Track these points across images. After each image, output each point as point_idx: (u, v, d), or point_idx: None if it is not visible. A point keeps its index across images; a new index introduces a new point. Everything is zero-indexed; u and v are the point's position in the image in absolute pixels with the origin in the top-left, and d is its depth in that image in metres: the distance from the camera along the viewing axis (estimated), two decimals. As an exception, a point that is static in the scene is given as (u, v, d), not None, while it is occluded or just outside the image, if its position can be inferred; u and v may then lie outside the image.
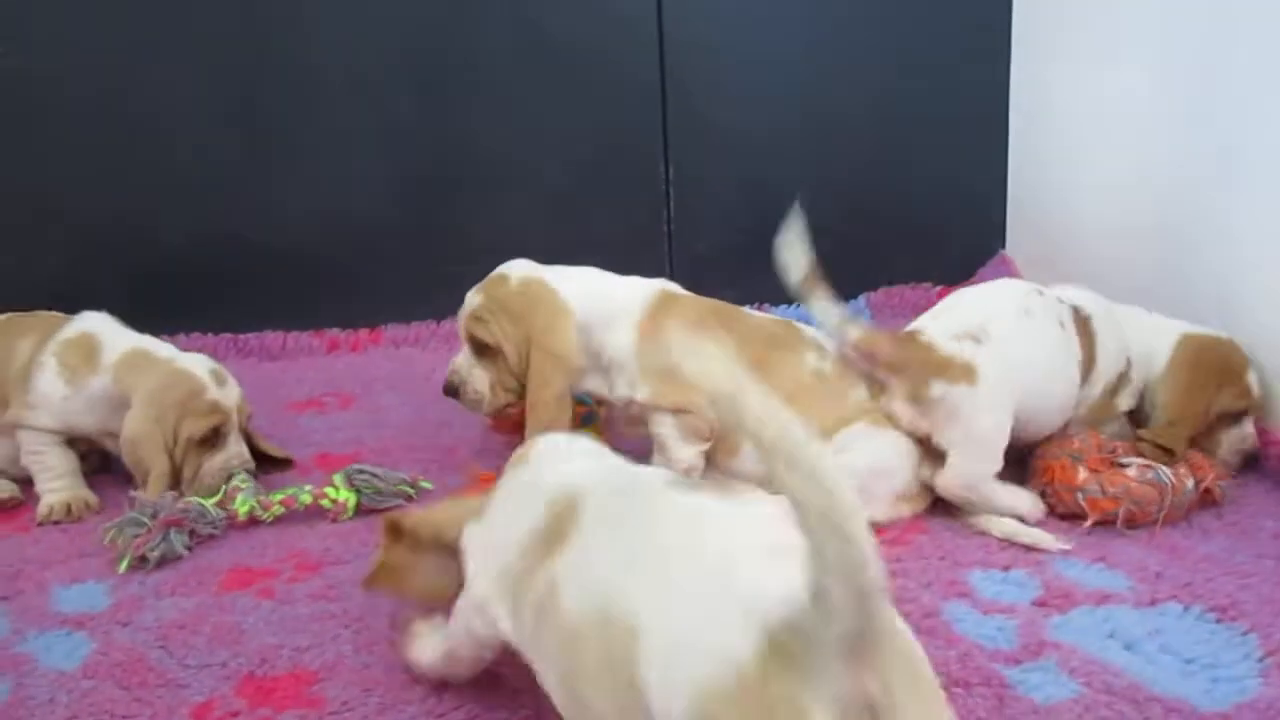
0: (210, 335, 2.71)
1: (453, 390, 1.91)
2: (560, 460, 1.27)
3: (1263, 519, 1.70)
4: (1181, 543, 1.63)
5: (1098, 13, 2.39)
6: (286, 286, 2.75)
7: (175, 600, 1.57)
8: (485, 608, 1.15)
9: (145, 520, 1.70)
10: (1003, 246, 2.89)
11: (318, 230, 2.64)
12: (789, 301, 2.84)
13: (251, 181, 2.70)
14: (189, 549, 1.71)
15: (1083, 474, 1.70)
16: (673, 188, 2.79)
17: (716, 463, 1.84)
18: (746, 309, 1.99)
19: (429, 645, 1.30)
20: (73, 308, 2.60)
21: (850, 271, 2.83)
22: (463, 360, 1.91)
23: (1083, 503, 1.68)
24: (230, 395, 1.93)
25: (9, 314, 2.06)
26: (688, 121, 2.74)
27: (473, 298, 1.90)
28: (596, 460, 1.29)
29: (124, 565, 1.66)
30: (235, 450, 1.92)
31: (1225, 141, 2.00)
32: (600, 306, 1.90)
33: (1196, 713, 1.24)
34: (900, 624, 0.91)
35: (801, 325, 1.94)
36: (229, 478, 1.87)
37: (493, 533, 1.20)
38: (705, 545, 0.99)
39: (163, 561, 1.68)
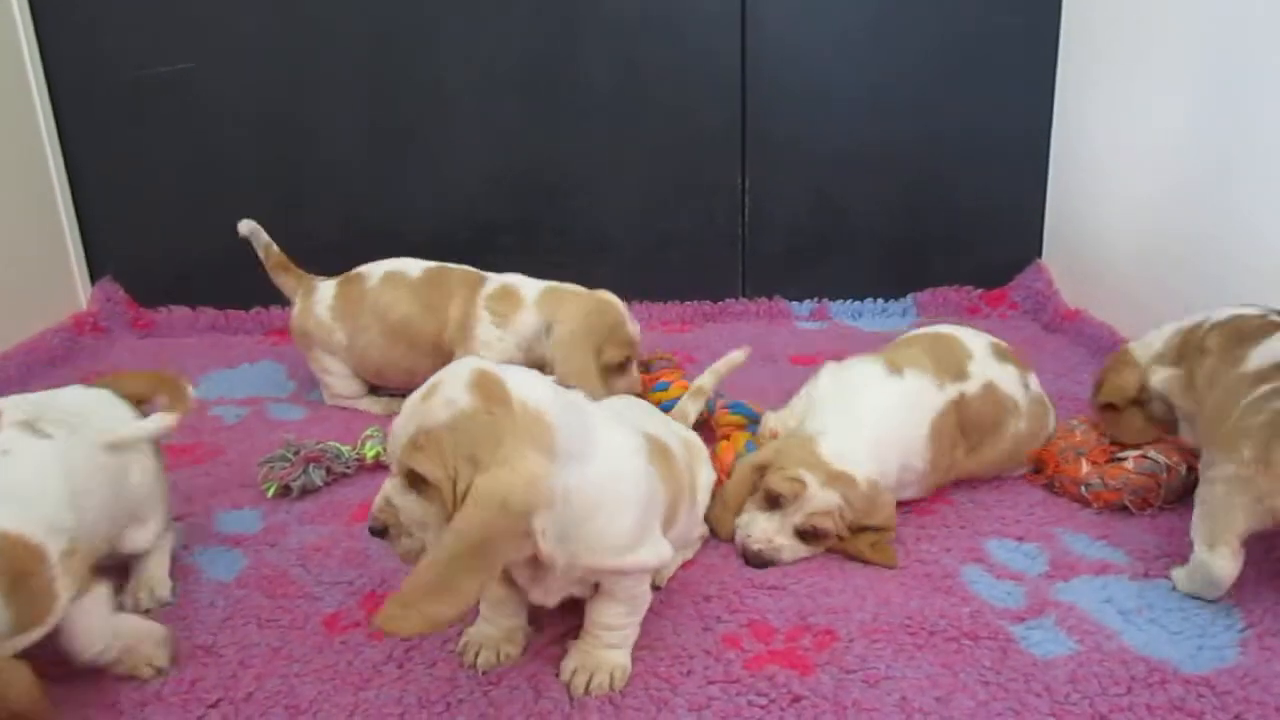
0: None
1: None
2: None
3: (1256, 508, 1.65)
4: (1179, 525, 1.58)
5: (1136, 43, 2.33)
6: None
7: (314, 527, 1.64)
8: None
9: (290, 456, 1.77)
10: (1039, 255, 2.84)
11: (444, 222, 2.70)
12: (844, 297, 2.84)
13: (382, 180, 2.75)
14: (326, 483, 1.77)
15: (1085, 468, 1.66)
16: (748, 196, 2.78)
17: None
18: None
19: None
20: (232, 288, 2.73)
21: (900, 273, 2.84)
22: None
23: (1086, 495, 1.65)
24: (636, 329, 2.00)
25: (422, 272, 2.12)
26: (762, 141, 2.73)
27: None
28: None
29: (271, 491, 1.73)
30: (635, 377, 1.98)
31: (1253, 160, 1.94)
32: None
33: (1179, 674, 1.23)
34: None
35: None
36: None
37: None
38: None
39: (304, 492, 1.74)
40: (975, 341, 1.77)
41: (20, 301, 2.39)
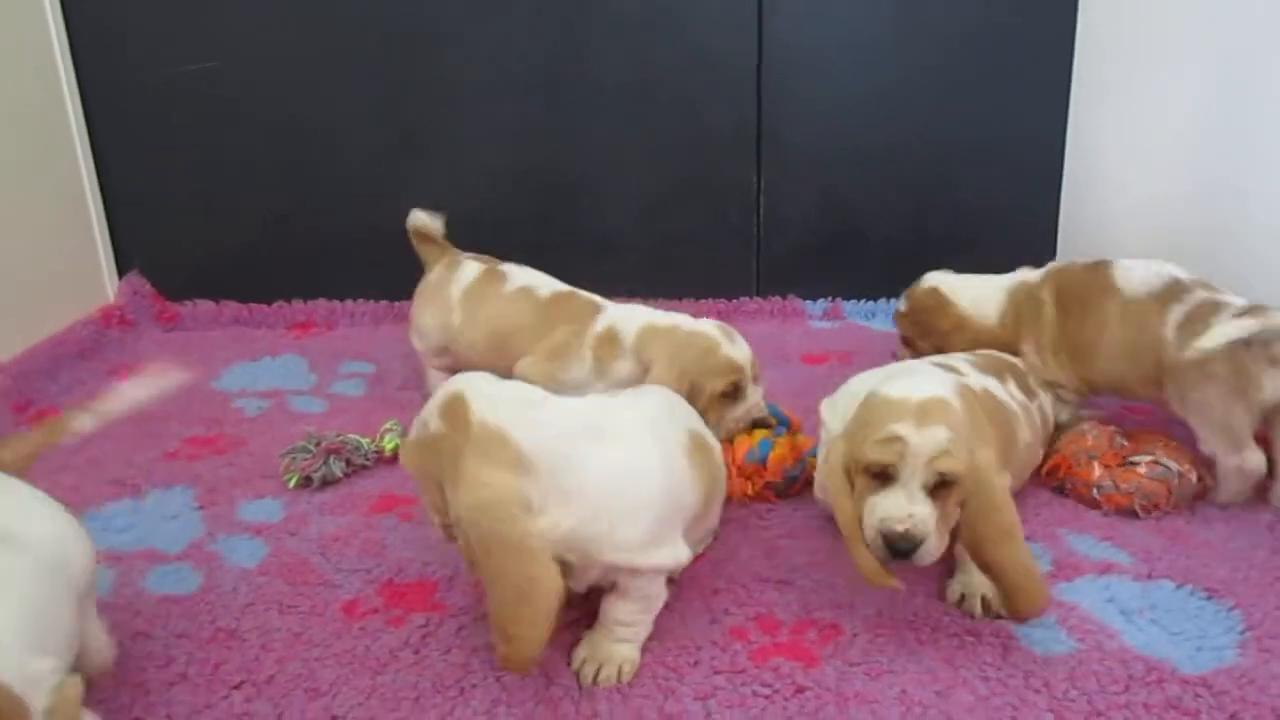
0: (371, 302, 2.81)
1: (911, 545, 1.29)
2: None
3: (1262, 511, 1.66)
4: (1184, 528, 1.61)
5: (1151, 46, 2.34)
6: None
7: (333, 518, 1.68)
8: None
9: (311, 448, 1.81)
10: (1053, 258, 2.84)
11: (457, 220, 2.71)
12: (857, 297, 2.85)
13: (398, 178, 2.79)
14: (345, 475, 1.81)
15: (1097, 471, 1.67)
16: (763, 196, 2.81)
17: None
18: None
19: None
20: (256, 283, 2.78)
21: (914, 274, 2.84)
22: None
23: (1098, 498, 1.66)
24: (743, 353, 1.82)
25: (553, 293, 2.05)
26: (777, 140, 2.75)
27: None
28: None
29: (293, 481, 1.77)
30: (754, 401, 1.82)
31: (1269, 163, 1.96)
32: None
33: (1177, 674, 1.25)
34: None
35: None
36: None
37: None
38: None
39: (324, 483, 1.78)
40: (961, 363, 1.70)
41: (50, 294, 2.45)
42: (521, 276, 2.10)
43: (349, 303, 2.81)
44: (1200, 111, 2.15)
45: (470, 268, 2.13)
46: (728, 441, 1.76)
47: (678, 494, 1.28)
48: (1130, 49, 2.44)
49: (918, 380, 1.40)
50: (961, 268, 2.87)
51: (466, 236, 2.74)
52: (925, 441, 1.28)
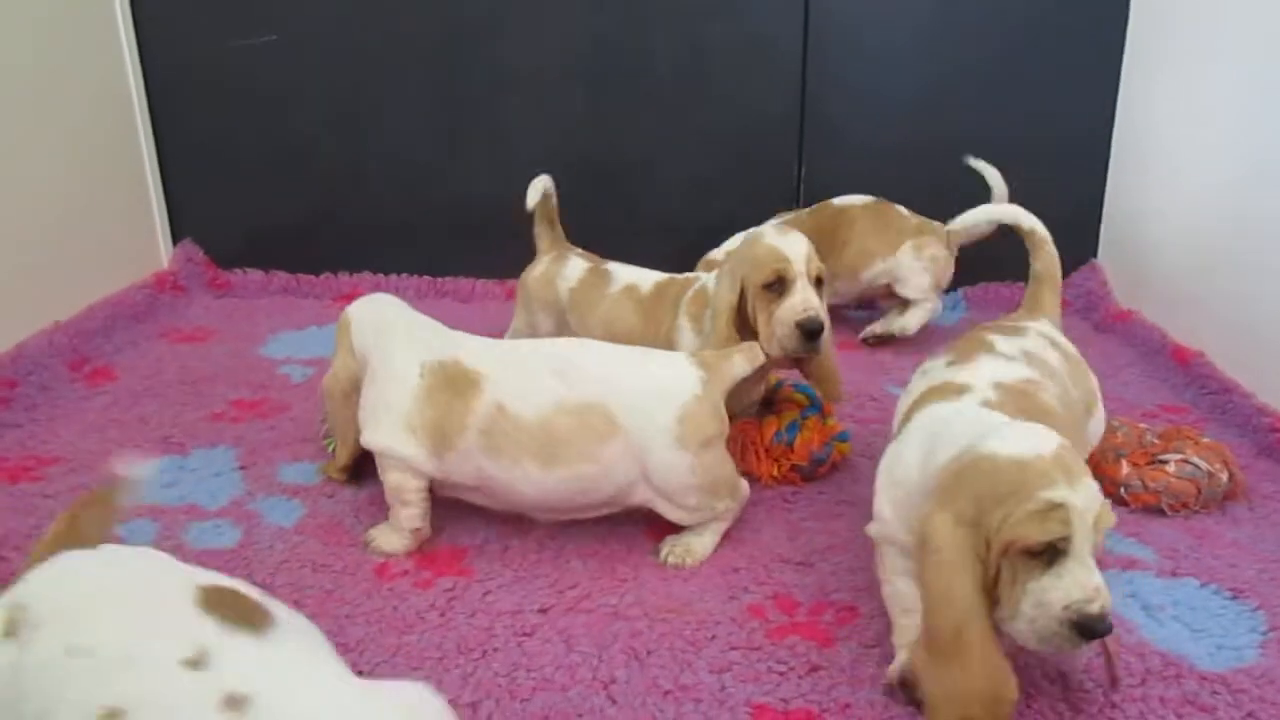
0: (414, 277, 2.85)
1: None
2: None
3: (1293, 514, 1.64)
4: (1213, 528, 1.59)
5: (1204, 45, 2.29)
6: (476, 244, 2.87)
7: (368, 483, 1.69)
8: None
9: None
10: (1094, 256, 2.80)
11: (503, 199, 2.76)
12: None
13: (450, 159, 2.81)
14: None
15: (1125, 469, 1.65)
16: (803, 185, 2.79)
17: None
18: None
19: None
20: (304, 254, 2.84)
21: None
22: None
23: (1125, 496, 1.64)
24: (791, 245, 1.66)
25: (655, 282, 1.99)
26: (820, 128, 2.74)
27: None
28: None
29: (331, 446, 1.78)
30: (804, 297, 1.65)
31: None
32: None
33: (1195, 670, 1.24)
34: None
35: None
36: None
37: None
38: None
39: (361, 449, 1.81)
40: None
41: (108, 258, 2.51)
42: (624, 275, 2.02)
43: (393, 277, 2.85)
44: (1247, 112, 2.11)
45: (575, 265, 2.08)
46: (753, 421, 1.76)
47: (390, 396, 1.49)
48: (1180, 48, 2.39)
49: (1030, 430, 1.13)
50: (1000, 264, 2.84)
51: (516, 219, 2.77)
52: (1087, 501, 1.06)
